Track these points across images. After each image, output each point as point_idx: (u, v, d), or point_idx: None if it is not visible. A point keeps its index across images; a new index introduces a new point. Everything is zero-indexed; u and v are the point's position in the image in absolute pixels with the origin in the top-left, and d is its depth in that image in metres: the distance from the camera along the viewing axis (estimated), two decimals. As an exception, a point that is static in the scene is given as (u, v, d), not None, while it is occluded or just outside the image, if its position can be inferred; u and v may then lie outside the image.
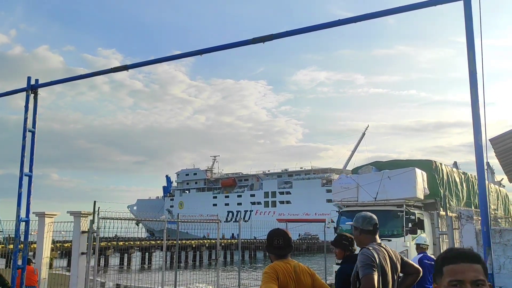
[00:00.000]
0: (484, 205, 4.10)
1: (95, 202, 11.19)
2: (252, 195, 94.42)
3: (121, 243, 37.71)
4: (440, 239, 12.42)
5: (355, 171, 15.48)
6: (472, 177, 17.36)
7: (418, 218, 12.92)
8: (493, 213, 16.86)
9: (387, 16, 4.79)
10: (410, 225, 12.35)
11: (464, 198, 15.83)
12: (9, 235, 13.80)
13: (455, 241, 10.59)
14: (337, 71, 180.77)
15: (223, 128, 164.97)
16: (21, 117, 6.94)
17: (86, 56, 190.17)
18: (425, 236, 10.85)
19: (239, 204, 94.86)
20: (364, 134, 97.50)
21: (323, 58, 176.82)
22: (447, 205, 13.63)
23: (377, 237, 3.93)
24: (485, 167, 4.06)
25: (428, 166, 14.20)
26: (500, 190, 20.16)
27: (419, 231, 12.51)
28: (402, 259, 3.97)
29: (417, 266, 4.11)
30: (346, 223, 12.83)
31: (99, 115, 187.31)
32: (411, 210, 12.57)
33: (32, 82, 7.03)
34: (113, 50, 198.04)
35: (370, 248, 3.69)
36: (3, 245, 18.46)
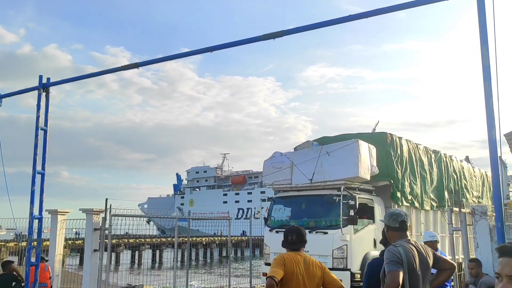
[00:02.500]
0: (498, 200, 4.06)
1: (106, 199, 11.25)
2: (263, 192, 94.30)
3: (132, 240, 37.95)
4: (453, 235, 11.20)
5: (296, 149, 12.41)
6: (446, 158, 14.14)
7: (365, 204, 10.48)
8: (476, 201, 14.60)
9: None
10: (352, 212, 9.79)
11: (434, 182, 13.02)
12: (21, 232, 13.95)
13: (468, 237, 10.27)
14: (347, 67, 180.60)
15: (232, 125, 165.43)
16: (31, 116, 7.06)
17: (95, 54, 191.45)
18: (432, 231, 9.99)
19: (250, 201, 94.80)
20: (374, 130, 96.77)
21: (333, 54, 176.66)
22: (407, 189, 11.48)
23: (407, 233, 3.88)
24: (499, 162, 4.02)
25: (381, 139, 11.39)
26: (487, 175, 16.99)
27: (366, 221, 10.36)
28: (434, 254, 3.91)
29: (452, 261, 4.03)
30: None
31: (108, 113, 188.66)
32: (353, 194, 10.06)
33: (44, 80, 7.07)
34: (121, 48, 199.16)
35: (396, 245, 3.66)
36: (16, 243, 18.65)
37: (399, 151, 11.53)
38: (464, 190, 14.59)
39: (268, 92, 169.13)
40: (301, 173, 10.58)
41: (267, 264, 10.79)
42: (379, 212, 10.67)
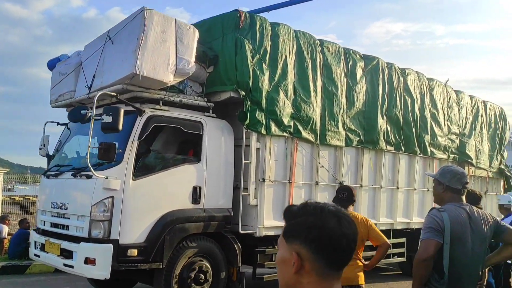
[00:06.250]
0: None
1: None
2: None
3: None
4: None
5: None
6: (393, 70, 8.93)
7: (180, 128, 6.29)
8: (455, 140, 10.23)
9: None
10: (134, 139, 5.78)
11: (358, 104, 8.17)
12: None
13: None
14: (415, 21, 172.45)
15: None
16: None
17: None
18: (508, 195, 8.15)
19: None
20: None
21: (400, 8, 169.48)
22: (283, 109, 7.03)
23: (463, 197, 3.31)
24: None
25: (229, 23, 6.81)
26: (485, 105, 11.56)
27: (178, 158, 6.45)
28: (498, 224, 3.23)
29: None
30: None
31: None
32: (116, 106, 5.57)
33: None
34: (180, 9, 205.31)
35: (441, 209, 3.14)
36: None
37: (267, 44, 6.92)
38: (431, 122, 9.65)
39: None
40: (85, 78, 6.57)
41: (43, 233, 6.53)
42: (219, 145, 6.60)
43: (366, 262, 4.48)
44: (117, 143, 5.61)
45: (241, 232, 6.53)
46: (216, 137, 6.55)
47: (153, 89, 6.06)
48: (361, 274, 4.35)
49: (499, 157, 11.57)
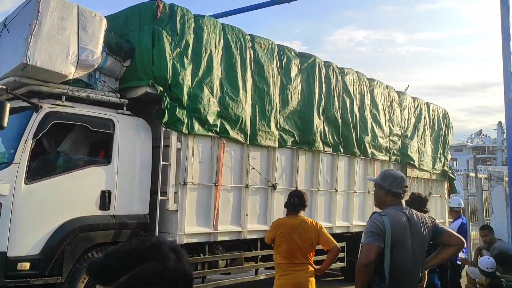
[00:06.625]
0: None
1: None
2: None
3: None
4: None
5: None
6: (331, 69, 8.60)
7: (86, 127, 5.70)
8: (397, 141, 9.97)
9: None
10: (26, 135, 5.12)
11: (293, 103, 7.74)
12: None
13: (484, 203, 9.17)
14: (376, 29, 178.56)
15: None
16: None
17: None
18: (458, 198, 8.61)
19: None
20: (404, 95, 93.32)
21: (363, 16, 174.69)
22: (208, 107, 6.50)
23: (403, 201, 3.42)
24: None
25: (146, 13, 6.26)
26: (429, 107, 11.42)
27: (85, 159, 5.83)
28: (436, 227, 3.37)
29: (460, 237, 3.49)
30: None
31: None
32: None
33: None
34: None
35: (382, 213, 3.25)
36: None
37: (189, 37, 6.40)
38: (371, 122, 9.37)
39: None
40: None
41: None
42: (133, 145, 6.00)
43: (317, 267, 4.49)
44: (17, 143, 5.03)
45: None
46: (130, 136, 5.95)
47: (52, 83, 5.40)
48: (312, 279, 4.36)
49: (442, 159, 11.47)
